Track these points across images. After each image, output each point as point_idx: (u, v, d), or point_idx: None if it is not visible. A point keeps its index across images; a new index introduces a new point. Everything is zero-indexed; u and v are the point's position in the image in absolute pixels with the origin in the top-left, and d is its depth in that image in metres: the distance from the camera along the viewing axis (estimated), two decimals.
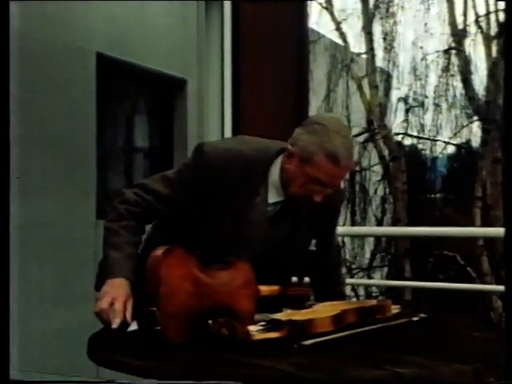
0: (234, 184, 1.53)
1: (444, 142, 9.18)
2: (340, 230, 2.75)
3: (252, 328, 1.34)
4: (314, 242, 1.66)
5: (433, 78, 9.01)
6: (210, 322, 1.34)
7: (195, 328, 1.31)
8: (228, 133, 2.61)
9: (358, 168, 8.99)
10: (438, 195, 10.21)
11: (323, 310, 1.44)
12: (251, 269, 1.44)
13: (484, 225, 8.01)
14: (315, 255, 1.67)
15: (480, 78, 8.75)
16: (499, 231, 3.00)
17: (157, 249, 1.34)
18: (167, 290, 1.28)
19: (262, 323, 1.38)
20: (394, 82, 9.24)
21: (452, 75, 8.84)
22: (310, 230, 1.64)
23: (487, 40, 8.66)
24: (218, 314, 1.34)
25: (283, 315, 1.40)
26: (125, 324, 1.39)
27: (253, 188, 1.56)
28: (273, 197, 1.59)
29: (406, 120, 9.03)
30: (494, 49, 8.54)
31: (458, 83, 8.79)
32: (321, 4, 9.13)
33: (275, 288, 1.54)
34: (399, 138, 9.12)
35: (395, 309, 1.59)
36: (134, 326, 1.44)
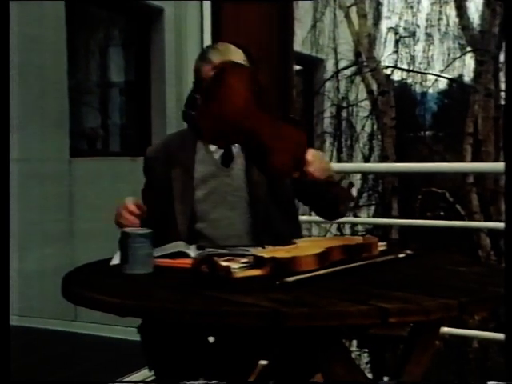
0: (174, 156, 1.71)
1: (435, 75, 9.00)
2: None
3: (233, 265, 1.31)
4: None
5: (425, 6, 8.72)
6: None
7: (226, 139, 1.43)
8: None
9: (344, 103, 8.82)
10: (427, 132, 10.11)
11: (307, 247, 1.41)
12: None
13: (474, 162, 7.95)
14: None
15: (476, 6, 8.47)
16: (489, 166, 2.96)
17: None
18: (227, 92, 1.39)
19: (244, 260, 1.34)
20: (385, 11, 8.91)
21: (446, 2, 8.54)
22: None
23: None
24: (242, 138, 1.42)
25: (266, 252, 1.37)
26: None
27: (191, 150, 1.71)
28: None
29: (396, 52, 8.78)
30: None
31: (451, 11, 8.51)
32: None
33: None
34: (388, 71, 8.89)
35: (381, 246, 1.56)
36: (116, 260, 1.41)
